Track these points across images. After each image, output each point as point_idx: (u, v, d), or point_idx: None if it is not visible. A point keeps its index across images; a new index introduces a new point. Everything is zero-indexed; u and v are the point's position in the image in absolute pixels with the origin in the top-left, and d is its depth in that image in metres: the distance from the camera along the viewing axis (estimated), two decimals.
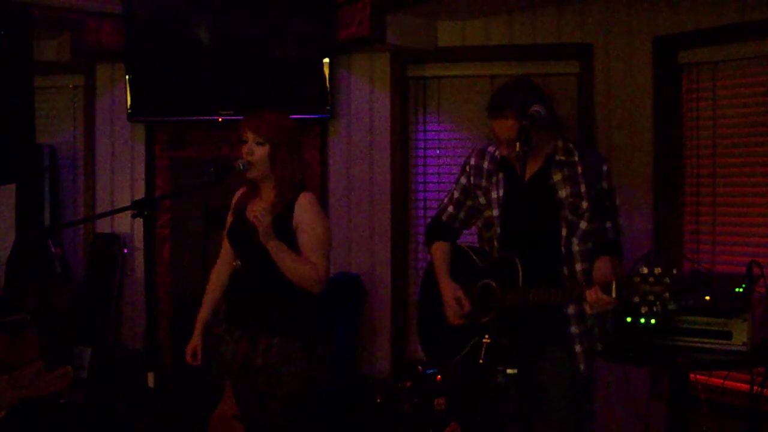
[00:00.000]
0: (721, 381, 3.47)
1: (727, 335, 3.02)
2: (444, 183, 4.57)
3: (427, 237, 3.09)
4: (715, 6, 3.77)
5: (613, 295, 2.47)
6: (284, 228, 2.81)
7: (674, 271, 2.38)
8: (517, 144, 2.48)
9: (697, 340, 3.08)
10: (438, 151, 4.64)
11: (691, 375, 3.40)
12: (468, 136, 4.55)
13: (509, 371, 2.48)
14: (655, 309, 2.38)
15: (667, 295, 2.36)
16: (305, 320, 2.90)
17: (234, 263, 2.94)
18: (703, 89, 3.93)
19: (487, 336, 2.65)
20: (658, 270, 2.38)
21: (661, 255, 3.82)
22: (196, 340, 3.07)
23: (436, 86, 4.62)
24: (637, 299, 2.40)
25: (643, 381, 3.83)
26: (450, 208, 3.01)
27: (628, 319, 3.17)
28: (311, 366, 2.86)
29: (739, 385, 3.57)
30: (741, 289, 3.04)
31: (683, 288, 2.41)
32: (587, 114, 4.18)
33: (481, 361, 2.68)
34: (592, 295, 2.52)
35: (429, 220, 3.21)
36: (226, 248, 3.11)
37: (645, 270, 2.39)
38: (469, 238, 3.12)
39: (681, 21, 3.90)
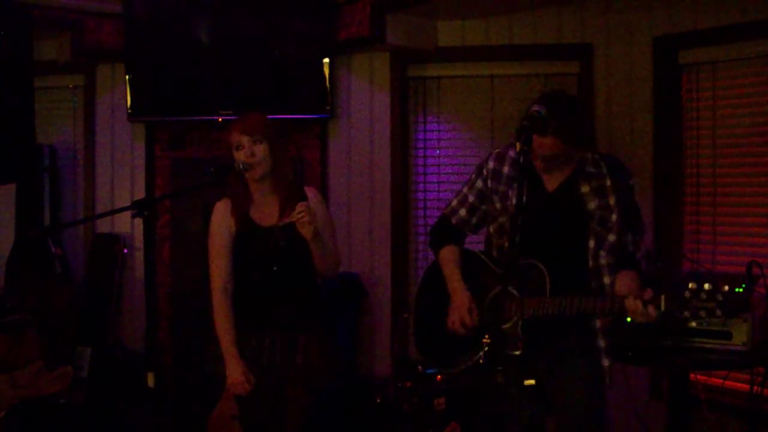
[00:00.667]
0: (721, 381, 3.47)
1: (727, 335, 3.03)
2: (444, 183, 4.57)
3: (435, 240, 2.98)
4: (715, 6, 3.77)
5: (663, 309, 2.43)
6: None
7: (726, 288, 2.36)
8: (517, 144, 2.47)
9: (697, 340, 3.09)
10: (438, 151, 4.64)
11: (691, 375, 3.41)
12: (468, 136, 4.55)
13: (527, 382, 2.47)
14: (705, 325, 2.38)
15: (719, 312, 2.35)
16: (325, 314, 3.04)
17: (267, 269, 2.92)
18: (703, 89, 3.94)
19: (487, 336, 2.63)
20: (708, 286, 2.37)
21: (661, 255, 3.82)
22: (242, 368, 2.91)
23: (436, 86, 4.62)
24: (687, 314, 2.39)
25: (643, 381, 3.83)
26: (462, 212, 2.91)
27: (628, 319, 3.17)
28: (338, 356, 3.08)
29: (739, 385, 3.57)
30: (741, 289, 3.04)
31: (736, 306, 2.39)
32: (587, 114, 4.17)
33: (481, 361, 2.67)
34: (638, 306, 2.46)
35: (434, 220, 3.10)
36: (224, 268, 2.97)
37: (694, 285, 2.38)
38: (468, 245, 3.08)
39: (681, 21, 3.90)
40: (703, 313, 2.36)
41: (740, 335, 3.01)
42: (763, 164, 3.74)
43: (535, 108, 2.56)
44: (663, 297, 2.44)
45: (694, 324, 2.39)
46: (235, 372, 2.90)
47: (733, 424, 3.58)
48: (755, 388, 3.21)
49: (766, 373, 3.20)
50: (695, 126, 3.97)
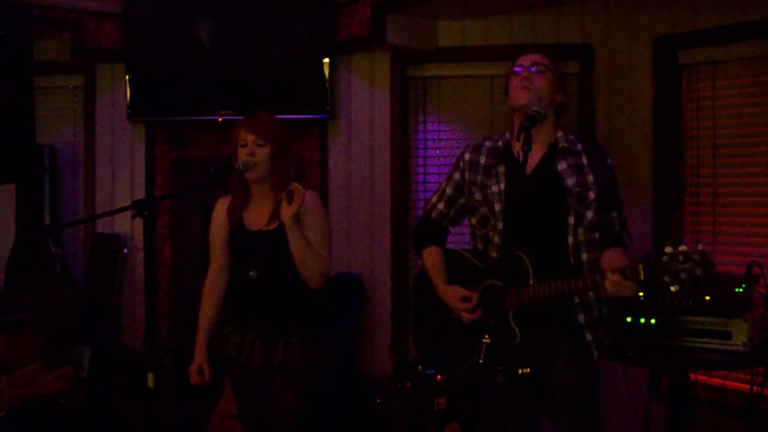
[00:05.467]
0: (721, 381, 3.47)
1: (727, 335, 3.02)
2: None
3: (417, 240, 2.99)
4: (715, 6, 3.77)
5: (642, 277, 2.41)
6: None
7: (700, 247, 2.35)
8: (517, 144, 2.48)
9: (697, 340, 3.08)
10: (438, 151, 4.64)
11: (691, 375, 3.41)
12: (468, 136, 4.54)
13: (522, 371, 2.48)
14: (686, 287, 2.36)
15: (698, 271, 2.33)
16: (317, 315, 3.00)
17: (250, 273, 2.95)
18: (703, 89, 3.94)
19: (487, 336, 2.64)
20: (683, 247, 2.35)
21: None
22: (201, 358, 3.04)
23: (436, 86, 4.62)
24: (667, 278, 2.36)
25: (643, 381, 3.83)
26: (440, 206, 2.94)
27: (628, 319, 3.17)
28: (325, 357, 3.00)
29: (739, 385, 3.57)
30: (741, 289, 3.04)
31: (712, 262, 2.37)
32: (587, 114, 4.18)
33: (481, 361, 2.67)
34: (616, 278, 2.45)
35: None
36: (217, 262, 3.08)
37: (670, 249, 2.36)
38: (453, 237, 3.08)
39: (681, 21, 3.90)
40: (683, 276, 2.34)
41: (740, 335, 3.00)
42: (763, 164, 3.74)
43: (535, 108, 2.59)
44: (641, 265, 2.42)
45: (675, 288, 2.35)
46: (194, 361, 3.03)
47: (733, 424, 3.58)
48: (755, 388, 3.21)
49: (766, 373, 3.20)
50: (695, 126, 3.97)
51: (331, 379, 4.18)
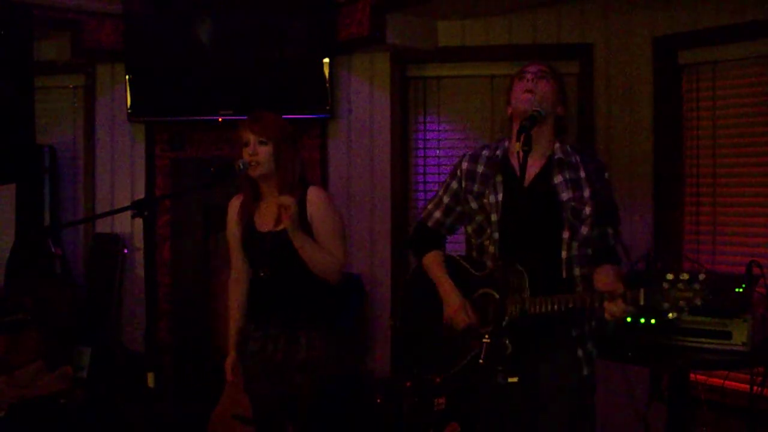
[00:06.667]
0: (721, 381, 3.47)
1: (727, 335, 3.03)
2: None
3: (416, 247, 2.96)
4: (715, 6, 3.77)
5: (642, 303, 2.41)
6: (301, 223, 2.87)
7: (702, 276, 2.35)
8: (517, 144, 2.47)
9: (697, 340, 3.09)
10: (438, 151, 4.64)
11: (691, 375, 3.41)
12: (468, 136, 4.55)
13: (510, 380, 2.48)
14: (684, 314, 2.36)
15: (698, 301, 2.34)
16: (330, 311, 3.03)
17: (261, 273, 2.98)
18: (703, 89, 3.94)
19: (486, 336, 2.64)
20: (684, 276, 2.36)
21: (661, 255, 3.82)
22: (234, 356, 3.10)
23: (436, 86, 4.62)
24: (666, 305, 2.37)
25: (643, 381, 3.83)
26: (437, 214, 2.89)
27: (628, 319, 3.17)
28: (349, 354, 3.10)
29: (739, 385, 3.57)
30: (741, 289, 3.04)
31: (714, 293, 2.37)
32: (587, 114, 4.18)
33: (481, 361, 2.66)
34: (618, 305, 2.46)
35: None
36: (237, 261, 3.12)
37: (671, 276, 2.36)
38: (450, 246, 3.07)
39: (680, 21, 3.90)
40: (682, 303, 2.34)
41: (740, 335, 3.01)
42: (763, 164, 3.74)
43: (536, 108, 2.59)
44: (642, 291, 2.42)
45: (672, 315, 2.36)
46: (228, 358, 3.11)
47: (733, 424, 3.58)
48: (755, 388, 3.21)
49: (766, 373, 3.20)
50: (695, 126, 3.97)
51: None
